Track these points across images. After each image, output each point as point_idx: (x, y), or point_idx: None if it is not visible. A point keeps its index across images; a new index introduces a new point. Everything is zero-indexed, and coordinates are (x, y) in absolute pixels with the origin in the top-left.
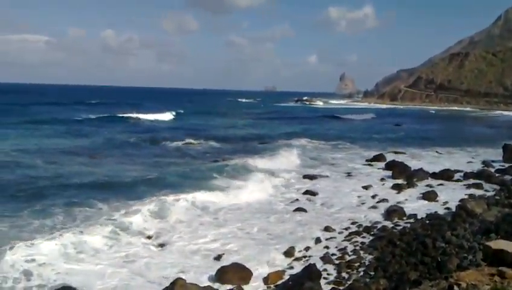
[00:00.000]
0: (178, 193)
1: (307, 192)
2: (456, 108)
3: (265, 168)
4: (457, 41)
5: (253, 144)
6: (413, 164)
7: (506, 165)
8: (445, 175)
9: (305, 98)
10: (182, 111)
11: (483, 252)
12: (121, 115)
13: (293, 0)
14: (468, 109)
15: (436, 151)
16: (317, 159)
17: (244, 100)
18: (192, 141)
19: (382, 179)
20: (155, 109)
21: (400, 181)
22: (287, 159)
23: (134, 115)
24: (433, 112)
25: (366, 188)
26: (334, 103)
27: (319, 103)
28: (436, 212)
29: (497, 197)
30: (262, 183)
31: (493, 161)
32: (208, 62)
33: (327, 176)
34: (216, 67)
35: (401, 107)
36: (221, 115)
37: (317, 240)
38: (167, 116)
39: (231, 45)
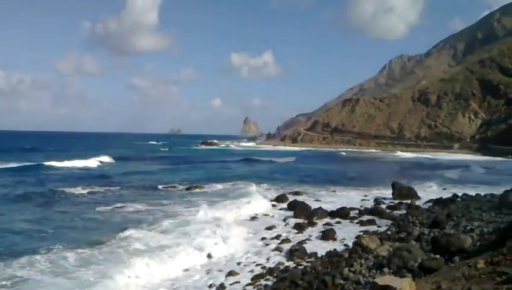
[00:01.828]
0: None
1: None
2: (365, 150)
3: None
4: (349, 88)
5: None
6: (314, 203)
7: (396, 201)
8: (342, 213)
9: (215, 140)
10: (108, 157)
11: (372, 289)
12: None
13: (197, 45)
14: (373, 150)
15: (334, 191)
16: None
17: (157, 143)
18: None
19: (285, 219)
20: (69, 154)
21: (301, 221)
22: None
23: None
24: (344, 154)
25: (269, 229)
26: (246, 145)
27: (232, 146)
28: (335, 249)
29: (388, 232)
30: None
31: (384, 198)
32: (110, 105)
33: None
34: (119, 110)
35: (312, 149)
36: (151, 159)
37: (221, 286)
38: (92, 162)
39: (135, 87)
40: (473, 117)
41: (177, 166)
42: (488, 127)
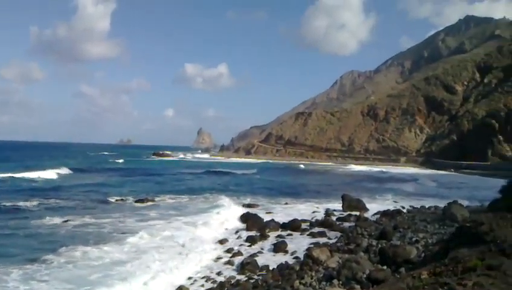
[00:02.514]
0: None
1: None
2: (323, 163)
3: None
4: (301, 102)
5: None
6: (266, 216)
7: (345, 213)
8: (294, 225)
9: (167, 152)
10: (67, 168)
11: None
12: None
13: (151, 54)
14: (330, 163)
15: (286, 203)
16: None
17: (109, 153)
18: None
19: (237, 232)
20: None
21: (253, 233)
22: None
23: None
24: (303, 166)
25: (221, 242)
26: (201, 156)
27: (187, 157)
28: (286, 262)
29: (338, 244)
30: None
31: (335, 210)
32: (56, 113)
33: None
34: (65, 119)
35: (272, 161)
36: (106, 171)
37: None
38: (50, 174)
39: (83, 95)
40: (418, 132)
41: (131, 178)
42: (433, 142)
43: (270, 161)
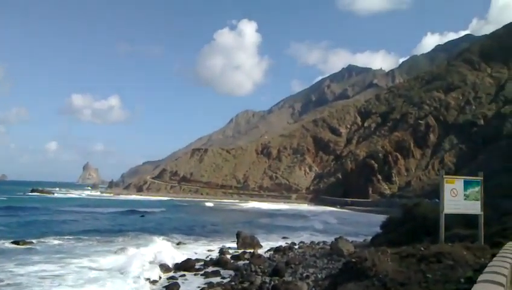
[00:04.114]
0: None
1: None
2: (225, 200)
3: None
4: (198, 138)
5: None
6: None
7: (240, 251)
8: (187, 265)
9: (49, 188)
10: None
11: None
12: None
13: (31, 82)
14: (237, 201)
15: (180, 242)
16: None
17: None
18: None
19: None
20: None
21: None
22: None
23: None
24: (212, 205)
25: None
26: (92, 194)
27: (74, 193)
28: None
29: (232, 283)
30: None
31: (230, 248)
32: None
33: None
34: None
35: (178, 198)
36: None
37: None
38: None
39: None
40: (307, 170)
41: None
42: (320, 179)
43: (164, 199)
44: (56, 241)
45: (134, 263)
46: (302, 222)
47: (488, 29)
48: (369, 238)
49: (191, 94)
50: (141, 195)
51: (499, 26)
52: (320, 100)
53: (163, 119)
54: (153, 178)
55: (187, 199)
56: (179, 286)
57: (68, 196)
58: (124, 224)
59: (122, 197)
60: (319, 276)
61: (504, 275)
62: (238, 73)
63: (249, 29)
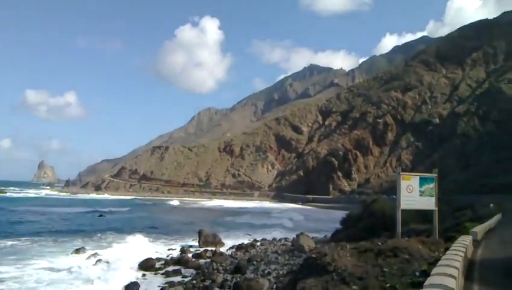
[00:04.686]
0: None
1: None
2: (188, 198)
3: None
4: (158, 136)
5: None
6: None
7: (201, 249)
8: (148, 265)
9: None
10: None
11: None
12: None
13: None
14: (200, 199)
15: (141, 241)
16: None
17: None
18: None
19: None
20: None
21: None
22: None
23: None
24: (177, 203)
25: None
26: (50, 193)
27: (30, 192)
28: None
29: (193, 281)
30: None
31: (191, 246)
32: None
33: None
34: None
35: (140, 197)
36: None
37: None
38: None
39: None
40: (270, 168)
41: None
42: (283, 177)
43: (126, 198)
44: (10, 243)
45: (92, 264)
46: (264, 218)
47: (443, 31)
48: (329, 234)
49: (152, 91)
50: (100, 194)
51: (454, 28)
52: (283, 99)
53: (122, 116)
54: (111, 176)
55: (151, 197)
56: (139, 286)
57: (23, 195)
58: (82, 224)
59: (80, 196)
60: (281, 272)
61: (456, 267)
62: (200, 70)
63: (211, 26)
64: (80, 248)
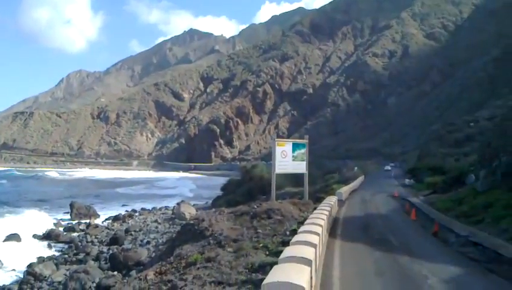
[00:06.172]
0: None
1: None
2: (73, 170)
3: None
4: (21, 100)
5: None
6: None
7: (74, 222)
8: (14, 240)
9: None
10: None
11: None
12: None
13: None
14: (66, 170)
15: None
16: None
17: None
18: None
19: None
20: None
21: None
22: None
23: None
24: (57, 175)
25: None
26: None
27: None
28: (3, 284)
29: (65, 256)
30: None
31: (62, 220)
32: None
33: None
34: None
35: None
36: None
37: None
38: None
39: None
40: (150, 136)
41: None
42: (163, 145)
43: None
44: None
45: None
46: (143, 188)
47: (318, 3)
48: (210, 201)
49: (12, 49)
50: None
51: (327, 1)
52: (162, 63)
53: None
54: None
55: (23, 168)
56: (2, 264)
57: None
58: None
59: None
60: (160, 241)
61: (320, 225)
62: (68, 28)
63: None
64: None
